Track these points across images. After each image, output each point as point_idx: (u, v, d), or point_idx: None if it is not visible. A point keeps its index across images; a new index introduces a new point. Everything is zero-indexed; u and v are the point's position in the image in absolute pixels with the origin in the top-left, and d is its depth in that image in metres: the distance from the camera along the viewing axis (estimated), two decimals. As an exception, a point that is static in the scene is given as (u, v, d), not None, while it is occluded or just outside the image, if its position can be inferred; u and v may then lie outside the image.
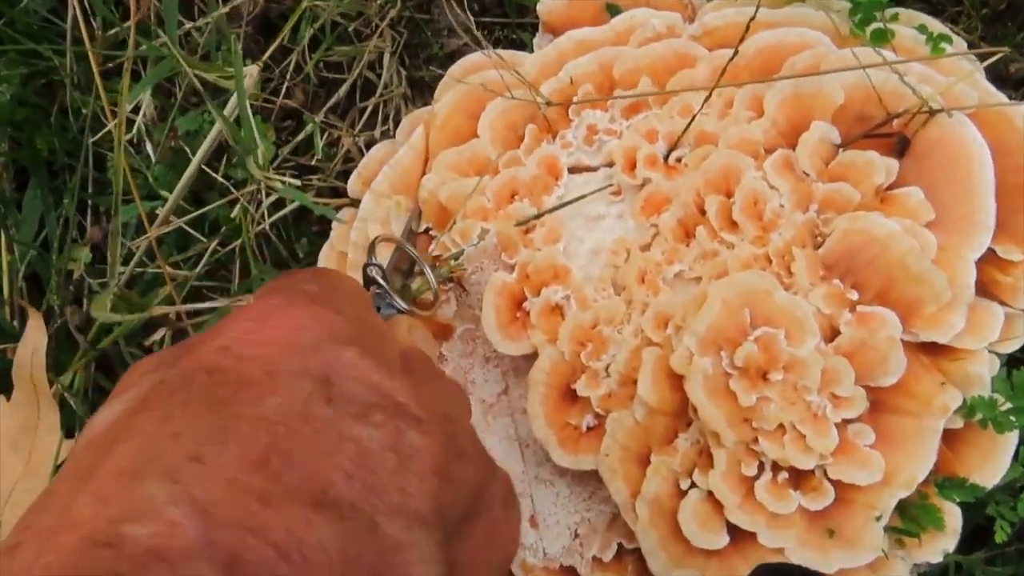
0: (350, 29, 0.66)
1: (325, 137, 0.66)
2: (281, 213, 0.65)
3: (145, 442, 0.21)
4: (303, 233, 0.67)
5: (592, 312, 0.49)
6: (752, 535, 0.44)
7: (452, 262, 0.52)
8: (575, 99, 0.54)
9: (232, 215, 0.64)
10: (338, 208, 0.62)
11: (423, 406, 0.25)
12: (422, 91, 0.67)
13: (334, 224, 0.60)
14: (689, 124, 0.50)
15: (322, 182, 0.66)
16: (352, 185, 0.60)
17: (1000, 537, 0.46)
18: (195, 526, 0.19)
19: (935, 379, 0.45)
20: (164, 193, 0.64)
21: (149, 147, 0.65)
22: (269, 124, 0.67)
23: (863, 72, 0.47)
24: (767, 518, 0.44)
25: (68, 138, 0.67)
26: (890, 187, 0.47)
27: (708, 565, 0.45)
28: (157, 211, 0.63)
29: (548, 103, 0.53)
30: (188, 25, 0.65)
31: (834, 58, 0.49)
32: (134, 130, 0.64)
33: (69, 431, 0.59)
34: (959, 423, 0.46)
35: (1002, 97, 0.49)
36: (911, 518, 0.45)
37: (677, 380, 0.46)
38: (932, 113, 0.46)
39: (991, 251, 0.47)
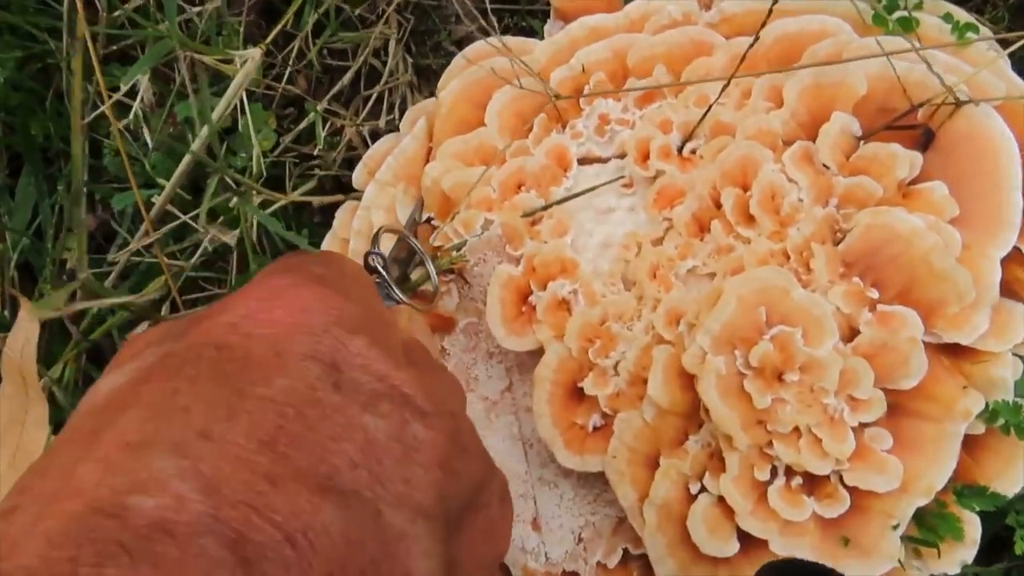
0: (355, 14, 0.65)
1: (328, 127, 0.65)
2: (281, 203, 0.63)
3: (152, 413, 0.21)
4: (304, 224, 0.65)
5: (601, 308, 0.47)
6: (763, 542, 0.43)
7: (454, 253, 0.51)
8: (586, 92, 0.52)
9: (231, 205, 0.62)
10: (337, 203, 0.61)
11: (428, 399, 0.25)
12: (428, 79, 0.65)
13: (338, 212, 0.59)
14: (705, 114, 0.48)
15: (324, 171, 0.65)
16: (357, 176, 0.59)
17: (1020, 548, 0.45)
18: (202, 502, 0.19)
19: (957, 382, 0.43)
20: (161, 181, 0.62)
21: (147, 133, 0.63)
22: (270, 111, 0.65)
23: (886, 62, 0.45)
24: (780, 525, 0.42)
25: (63, 124, 0.65)
26: (913, 181, 0.46)
27: (717, 572, 0.44)
28: (152, 199, 0.61)
29: (557, 96, 0.51)
30: (189, 10, 0.63)
31: (856, 47, 0.47)
32: (130, 116, 0.62)
33: (58, 426, 0.58)
34: (980, 428, 0.44)
35: (1031, 90, 0.47)
36: (929, 527, 0.43)
37: (689, 380, 0.44)
38: (958, 105, 0.45)
39: (1016, 250, 0.45)
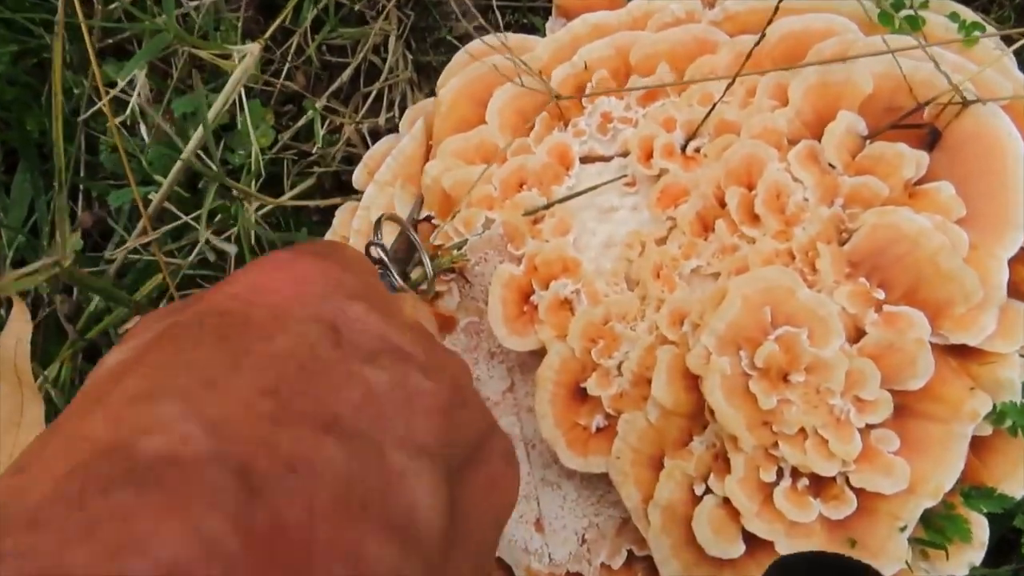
0: (355, 9, 0.64)
1: (327, 124, 0.64)
2: (279, 201, 0.62)
3: (157, 371, 0.22)
4: (302, 222, 0.65)
5: (604, 307, 0.47)
6: (768, 544, 0.42)
7: (454, 252, 0.50)
8: (588, 90, 0.51)
9: (228, 203, 0.62)
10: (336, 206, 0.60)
11: (429, 358, 0.25)
12: (429, 76, 0.65)
13: (338, 212, 0.59)
14: (709, 113, 0.48)
15: (323, 168, 0.64)
16: (358, 176, 0.58)
17: (1027, 550, 0.44)
18: (207, 439, 0.19)
19: (964, 383, 0.43)
20: (158, 178, 0.61)
21: (144, 129, 0.63)
22: (268, 108, 0.64)
23: (892, 61, 0.45)
24: (786, 527, 0.42)
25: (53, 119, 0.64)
26: (920, 181, 0.45)
27: (721, 574, 0.43)
28: (149, 196, 0.61)
29: (557, 96, 0.50)
30: (187, 5, 0.62)
31: (862, 45, 0.46)
32: (127, 111, 0.61)
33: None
34: (988, 430, 0.43)
35: (1037, 89, 0.46)
36: (936, 529, 0.43)
37: (693, 380, 0.44)
38: (965, 104, 0.44)
39: (1023, 251, 0.44)
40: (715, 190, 0.47)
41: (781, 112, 0.47)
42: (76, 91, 0.63)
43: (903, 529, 0.41)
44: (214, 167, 0.58)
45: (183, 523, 0.17)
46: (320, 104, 0.63)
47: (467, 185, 0.51)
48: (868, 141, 0.46)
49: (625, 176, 0.50)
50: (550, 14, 0.58)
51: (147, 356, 0.23)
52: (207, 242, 0.59)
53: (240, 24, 0.63)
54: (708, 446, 0.44)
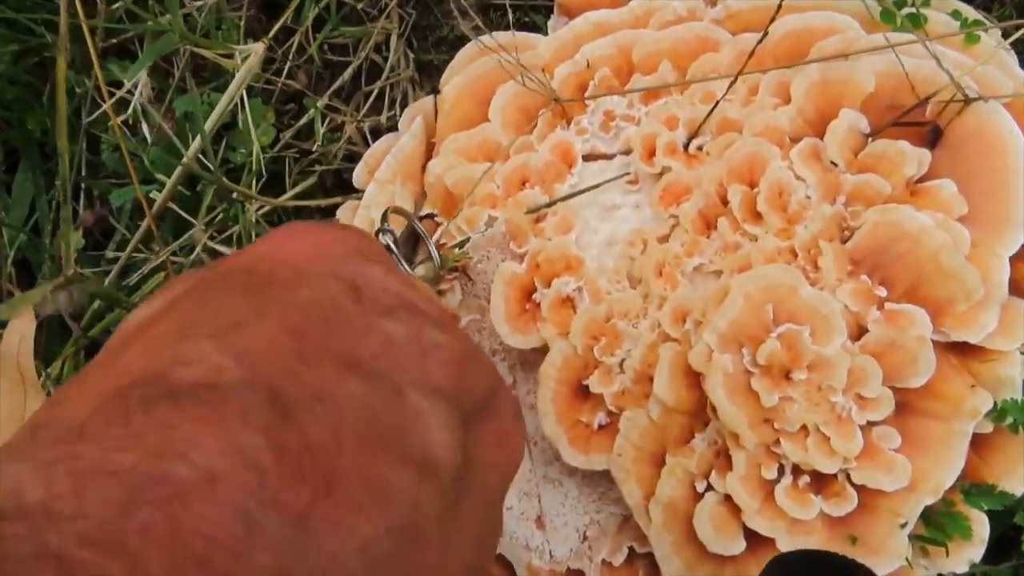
0: (358, 7, 0.64)
1: (328, 122, 0.64)
2: (281, 200, 0.62)
3: (187, 317, 0.23)
4: (304, 219, 0.65)
5: (606, 305, 0.47)
6: (770, 541, 0.43)
7: (457, 250, 0.50)
8: (590, 89, 0.51)
9: (226, 207, 0.62)
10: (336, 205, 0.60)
11: (442, 317, 0.27)
12: (430, 75, 0.65)
13: (339, 211, 0.59)
14: (712, 111, 0.48)
15: (324, 166, 0.64)
16: (358, 175, 0.58)
17: (1027, 547, 0.45)
18: (239, 368, 0.20)
19: (965, 381, 0.43)
20: (160, 177, 0.61)
21: (145, 129, 0.63)
22: (270, 106, 0.64)
23: (894, 59, 0.45)
24: (788, 523, 0.42)
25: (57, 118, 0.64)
26: (921, 179, 0.45)
27: (723, 571, 0.43)
28: (151, 195, 0.61)
29: (557, 100, 0.51)
30: (189, 4, 0.62)
31: (864, 43, 0.46)
32: (129, 111, 0.62)
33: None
34: (988, 427, 0.44)
35: (1039, 87, 0.46)
36: (937, 526, 0.43)
37: (695, 378, 0.44)
38: (967, 102, 0.44)
39: (1024, 248, 0.45)
40: (717, 188, 0.47)
41: (783, 110, 0.47)
42: (78, 91, 0.63)
43: (904, 526, 0.42)
44: (212, 168, 0.58)
45: (221, 435, 0.18)
46: (321, 103, 0.63)
47: (470, 183, 0.51)
48: (870, 139, 0.46)
49: (627, 174, 0.50)
50: (552, 12, 0.58)
51: (175, 307, 0.24)
52: (204, 246, 0.59)
53: (243, 23, 0.63)
54: (710, 443, 0.44)
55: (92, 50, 0.57)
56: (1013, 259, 0.44)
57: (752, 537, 0.43)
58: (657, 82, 0.50)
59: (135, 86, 0.61)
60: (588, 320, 0.47)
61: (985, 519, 0.43)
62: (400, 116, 0.61)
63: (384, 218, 0.42)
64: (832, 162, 0.46)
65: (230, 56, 0.56)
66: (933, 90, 0.45)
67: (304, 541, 0.18)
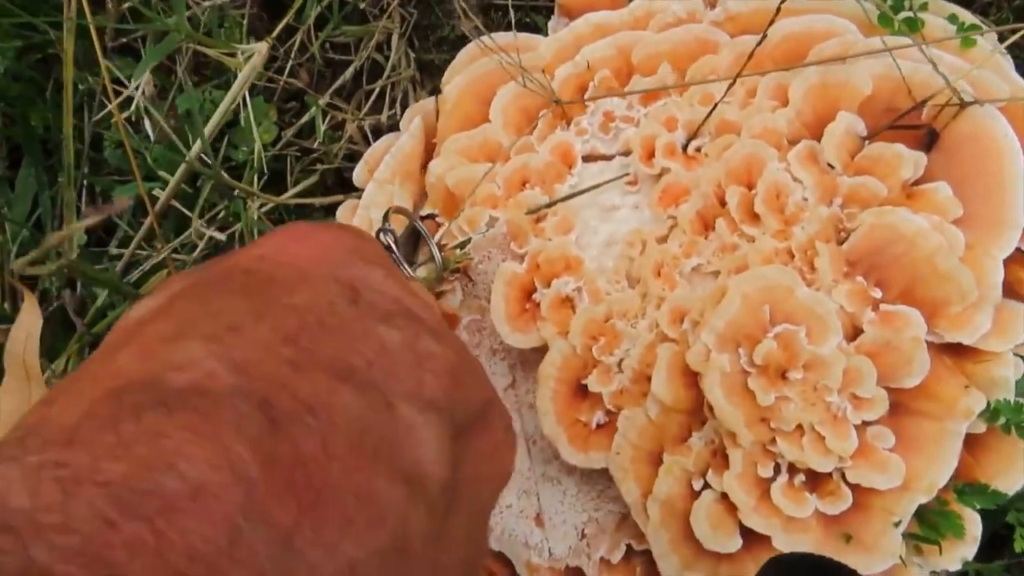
0: (360, 7, 0.64)
1: (329, 120, 0.65)
2: (283, 198, 0.63)
3: (184, 316, 0.23)
4: (305, 218, 0.65)
5: (605, 305, 0.47)
6: (766, 538, 0.43)
7: (458, 251, 0.51)
8: (590, 90, 0.52)
9: (227, 205, 0.62)
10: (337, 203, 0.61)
11: (439, 325, 0.27)
12: (431, 74, 0.65)
13: (339, 211, 0.59)
14: (710, 113, 0.48)
15: (326, 165, 0.64)
16: (358, 174, 0.58)
17: (1020, 546, 0.45)
18: (232, 375, 0.20)
19: (959, 381, 0.44)
20: (163, 174, 0.62)
21: (148, 126, 0.63)
22: (272, 104, 0.65)
23: (892, 62, 0.45)
24: (783, 521, 0.43)
25: (64, 115, 0.65)
26: (917, 182, 0.46)
27: (719, 568, 0.44)
28: (153, 192, 0.61)
29: (557, 101, 0.51)
30: (191, 3, 0.62)
31: (862, 46, 0.47)
32: (132, 108, 0.62)
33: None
34: (981, 427, 0.44)
35: (1034, 91, 0.47)
36: (930, 524, 0.44)
37: (693, 377, 0.44)
38: (963, 106, 0.45)
39: (1019, 251, 0.45)
40: (716, 189, 0.47)
41: (781, 112, 0.48)
42: (82, 87, 0.64)
43: (898, 524, 0.42)
44: (212, 165, 0.58)
45: (212, 446, 0.18)
46: (323, 101, 0.64)
47: (471, 183, 0.51)
48: (867, 142, 0.47)
49: (627, 175, 0.50)
50: (552, 13, 0.58)
51: (174, 305, 0.24)
52: (202, 235, 0.60)
53: (245, 22, 0.63)
54: (707, 442, 0.45)
55: (97, 48, 0.57)
56: (1007, 261, 0.44)
57: (748, 535, 0.43)
58: (656, 84, 0.51)
59: (137, 84, 0.61)
60: (587, 320, 0.47)
61: (978, 518, 0.43)
62: (401, 115, 0.61)
63: (386, 218, 0.43)
64: (829, 164, 0.46)
65: (233, 55, 0.57)
66: (929, 94, 0.45)
67: (290, 560, 0.18)
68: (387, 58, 0.65)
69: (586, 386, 0.47)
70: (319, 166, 0.65)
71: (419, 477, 0.22)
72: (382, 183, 0.56)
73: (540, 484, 0.49)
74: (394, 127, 0.62)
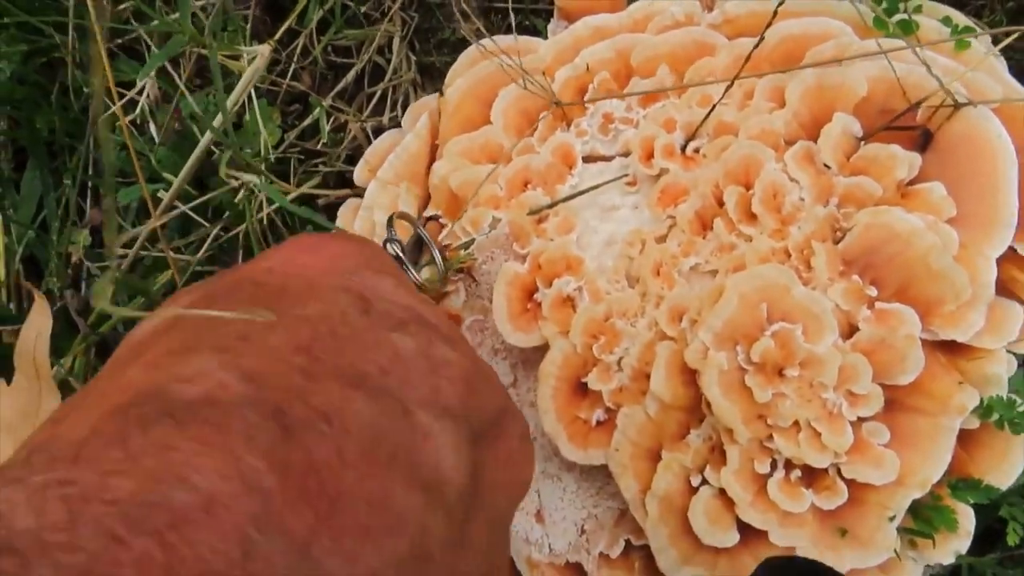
0: (361, 11, 0.65)
1: (332, 122, 0.65)
2: (288, 198, 0.63)
3: (192, 329, 0.22)
4: (309, 219, 0.66)
5: (605, 304, 0.48)
6: (763, 533, 0.44)
7: (462, 252, 0.51)
8: (587, 97, 0.53)
9: (236, 200, 0.63)
10: (341, 199, 0.61)
11: (452, 331, 0.26)
12: (432, 77, 0.66)
13: (340, 212, 0.60)
14: (708, 114, 0.49)
15: (328, 167, 0.65)
16: (359, 173, 0.59)
17: (1012, 540, 0.46)
18: (244, 385, 0.20)
19: (953, 378, 0.44)
20: (167, 176, 0.62)
21: (153, 128, 0.64)
22: (275, 107, 0.66)
23: (887, 64, 0.46)
24: (779, 516, 0.43)
25: (69, 118, 0.66)
26: (912, 182, 0.47)
27: (717, 562, 0.45)
28: (158, 194, 0.62)
29: (558, 103, 0.52)
30: (194, 5, 0.63)
31: (857, 48, 0.48)
32: (137, 111, 0.63)
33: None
34: (975, 423, 0.45)
35: (1027, 93, 0.48)
36: (924, 519, 0.44)
37: (691, 375, 0.45)
38: (956, 107, 0.45)
39: (1011, 249, 0.46)
40: (714, 189, 0.48)
41: (778, 114, 0.48)
42: (86, 90, 0.64)
43: (892, 519, 0.43)
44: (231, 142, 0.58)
45: (222, 457, 0.18)
46: (326, 103, 0.64)
47: (474, 185, 0.52)
48: (863, 142, 0.48)
49: (626, 175, 0.51)
50: (552, 16, 0.59)
51: (180, 321, 0.23)
52: (208, 234, 0.60)
53: (248, 25, 0.64)
54: (705, 439, 0.45)
55: (102, 50, 0.57)
56: (1000, 260, 0.45)
57: (745, 530, 0.44)
58: (655, 85, 0.51)
59: (141, 87, 0.62)
60: (587, 319, 0.48)
61: (971, 512, 0.44)
62: (402, 117, 0.62)
63: (389, 225, 0.43)
64: (825, 165, 0.47)
65: (237, 58, 0.57)
66: (924, 95, 0.46)
67: (308, 569, 0.18)
68: (388, 61, 0.65)
69: (586, 384, 0.48)
70: (321, 168, 0.66)
71: (437, 484, 0.22)
72: (385, 184, 0.56)
73: (540, 481, 0.50)
74: (395, 127, 0.63)
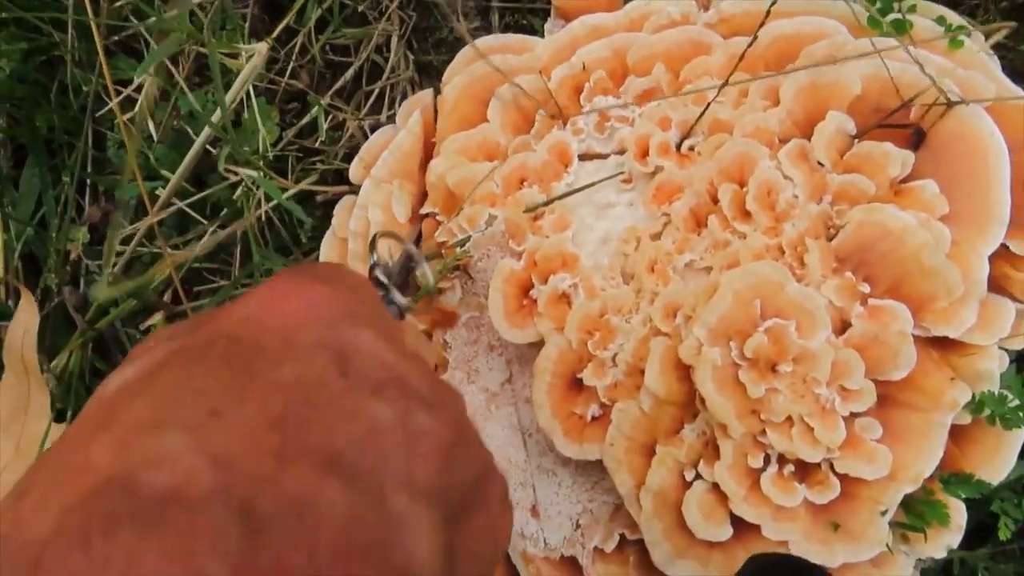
0: (359, 10, 0.65)
1: (330, 120, 0.66)
2: (285, 195, 0.64)
3: (165, 396, 0.22)
4: (308, 212, 0.66)
5: (600, 301, 0.48)
6: (756, 527, 0.44)
7: (458, 249, 0.51)
8: (583, 95, 0.53)
9: (234, 197, 0.63)
10: (338, 195, 0.61)
11: (433, 393, 0.25)
12: (430, 76, 0.66)
13: (336, 211, 0.60)
14: (703, 112, 0.49)
15: (326, 165, 0.65)
16: (354, 170, 0.59)
17: (1003, 534, 0.46)
18: (212, 474, 0.19)
19: (945, 374, 0.45)
20: (165, 173, 0.63)
21: (151, 126, 0.64)
22: (274, 106, 0.66)
23: (880, 63, 0.47)
24: (772, 511, 0.44)
25: (68, 116, 0.66)
26: (905, 179, 0.47)
27: (711, 556, 0.45)
28: (156, 192, 0.62)
29: (553, 117, 0.52)
30: (193, 4, 0.63)
31: (851, 47, 0.48)
32: (136, 109, 0.63)
33: (61, 414, 0.59)
34: (967, 419, 0.45)
35: (1019, 91, 0.48)
36: (916, 513, 0.45)
37: (685, 371, 0.45)
38: (949, 105, 0.46)
39: (1003, 246, 0.46)
40: (708, 187, 0.48)
41: (772, 112, 0.49)
42: (85, 88, 0.65)
43: (884, 513, 0.43)
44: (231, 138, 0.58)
45: (185, 570, 0.18)
46: (324, 102, 0.65)
47: (471, 182, 0.52)
48: (856, 140, 0.48)
49: (622, 173, 0.51)
50: (549, 15, 0.59)
51: (155, 380, 0.23)
52: (206, 231, 0.60)
53: (248, 23, 0.64)
54: (699, 434, 0.46)
55: (99, 47, 0.58)
56: (992, 257, 0.45)
57: (739, 524, 0.44)
58: (651, 84, 0.52)
59: (140, 86, 0.62)
60: (583, 315, 0.48)
61: (963, 507, 0.44)
62: (400, 115, 0.62)
63: (372, 247, 0.42)
64: (819, 162, 0.47)
65: (235, 56, 0.58)
66: (917, 94, 0.47)
67: None
68: (386, 60, 0.66)
69: (581, 380, 0.48)
70: (319, 165, 0.66)
71: (410, 573, 0.21)
72: (379, 182, 0.56)
73: (536, 476, 0.50)
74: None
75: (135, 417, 0.21)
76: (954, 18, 0.50)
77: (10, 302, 0.64)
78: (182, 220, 0.65)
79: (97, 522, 0.18)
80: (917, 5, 0.50)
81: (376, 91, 0.66)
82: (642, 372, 0.46)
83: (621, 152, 0.52)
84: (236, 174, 0.59)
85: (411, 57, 0.66)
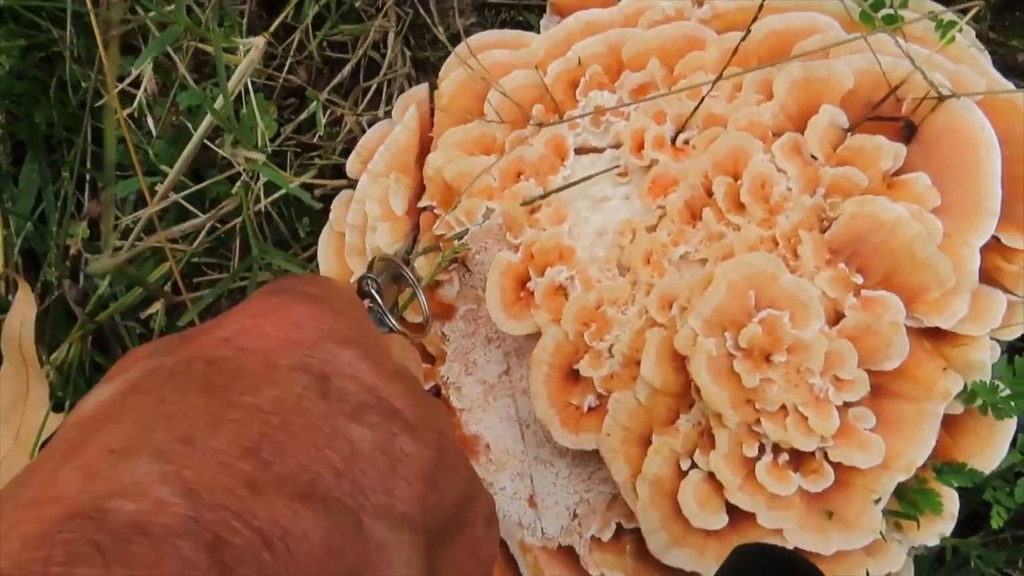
0: (357, 6, 0.66)
1: (328, 115, 0.66)
2: (283, 191, 0.64)
3: (137, 422, 0.21)
4: (305, 211, 0.67)
5: (596, 292, 0.49)
6: (751, 516, 0.45)
7: (456, 242, 0.52)
8: (578, 91, 0.53)
9: (233, 191, 0.63)
10: (336, 189, 0.62)
11: (416, 413, 0.25)
12: (427, 72, 0.67)
13: (333, 205, 0.60)
14: (698, 106, 0.50)
15: (324, 160, 0.66)
16: (351, 165, 0.60)
17: (996, 523, 0.47)
18: (182, 505, 0.19)
19: (937, 364, 0.45)
20: (164, 168, 0.63)
21: (150, 122, 0.64)
22: (271, 101, 0.66)
23: (873, 58, 0.47)
24: (767, 499, 0.44)
25: (67, 112, 0.66)
26: (897, 172, 0.47)
27: (706, 544, 0.45)
28: (156, 187, 0.62)
29: (553, 122, 0.52)
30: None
31: (844, 42, 0.48)
32: (134, 105, 0.63)
33: (59, 405, 0.59)
34: (959, 409, 0.46)
35: (1009, 85, 0.49)
36: (909, 502, 0.45)
37: (680, 361, 0.46)
38: (941, 99, 0.46)
39: (995, 238, 0.47)
40: (703, 180, 0.49)
41: (766, 106, 0.49)
42: (83, 84, 0.65)
43: (878, 502, 0.44)
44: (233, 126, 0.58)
45: None
46: (322, 98, 0.65)
47: (468, 176, 0.52)
48: (849, 134, 0.49)
49: (617, 167, 0.52)
50: (544, 11, 0.60)
51: (129, 402, 0.22)
52: (203, 226, 0.61)
53: (245, 19, 0.64)
54: (694, 423, 0.46)
55: (100, 43, 0.58)
56: (983, 249, 0.46)
57: (734, 512, 0.45)
58: (646, 79, 0.52)
59: (139, 80, 0.62)
60: (579, 307, 0.49)
61: (955, 495, 0.45)
62: (397, 111, 0.63)
63: (370, 266, 0.42)
64: (812, 156, 0.48)
65: (233, 51, 0.58)
66: (909, 87, 0.47)
67: None
68: (383, 56, 0.66)
69: (578, 371, 0.49)
70: (317, 161, 0.66)
71: None
72: (376, 176, 0.57)
73: (533, 466, 0.51)
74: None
75: (105, 444, 0.20)
76: (945, 13, 0.51)
77: (10, 297, 0.64)
78: (181, 216, 0.65)
79: (58, 556, 0.17)
80: (908, 0, 0.51)
81: (373, 87, 0.66)
82: (638, 363, 0.47)
83: (617, 146, 0.52)
84: (238, 164, 0.60)
85: (408, 53, 0.66)
